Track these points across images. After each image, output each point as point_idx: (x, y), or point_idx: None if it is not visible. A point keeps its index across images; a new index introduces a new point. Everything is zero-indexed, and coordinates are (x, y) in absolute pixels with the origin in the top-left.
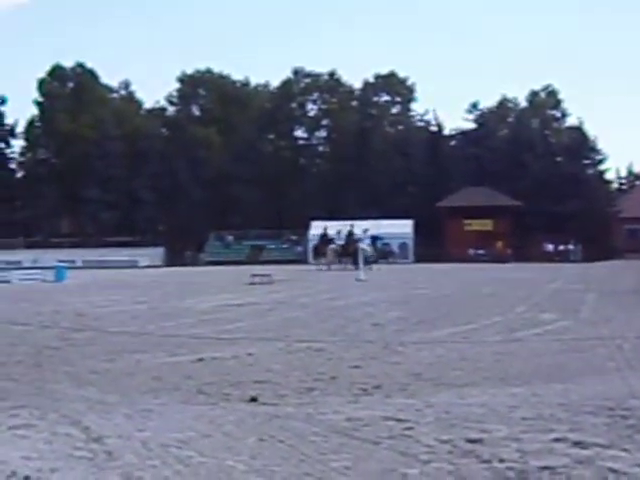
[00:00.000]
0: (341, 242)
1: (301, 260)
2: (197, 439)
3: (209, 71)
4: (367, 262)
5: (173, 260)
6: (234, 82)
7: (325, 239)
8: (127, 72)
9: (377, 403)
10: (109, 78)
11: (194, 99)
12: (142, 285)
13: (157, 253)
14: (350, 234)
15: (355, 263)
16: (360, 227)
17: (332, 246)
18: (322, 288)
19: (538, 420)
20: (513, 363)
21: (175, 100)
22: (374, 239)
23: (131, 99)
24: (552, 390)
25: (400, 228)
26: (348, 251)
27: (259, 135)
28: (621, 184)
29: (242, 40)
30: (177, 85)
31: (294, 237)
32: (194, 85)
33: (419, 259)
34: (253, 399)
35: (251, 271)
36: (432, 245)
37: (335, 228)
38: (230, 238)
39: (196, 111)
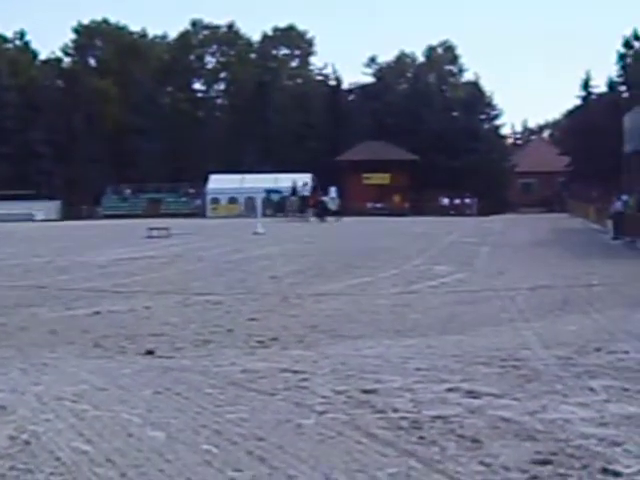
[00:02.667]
0: (306, 194)
1: (200, 213)
2: (92, 392)
3: (106, 22)
4: (334, 214)
5: (70, 214)
6: (131, 33)
7: (295, 193)
8: (22, 22)
9: (273, 355)
10: (4, 28)
11: (90, 50)
12: (38, 239)
13: (53, 206)
14: (315, 188)
15: (318, 215)
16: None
17: (292, 198)
18: (220, 242)
19: (432, 371)
20: (408, 315)
21: (71, 51)
22: (269, 192)
23: (26, 49)
24: (446, 341)
25: (298, 182)
26: (310, 203)
27: (157, 87)
28: (516, 139)
29: None
30: (73, 36)
31: (192, 190)
32: (90, 36)
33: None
34: (149, 352)
35: (149, 224)
36: None
37: (301, 181)
38: (127, 191)
39: (93, 62)
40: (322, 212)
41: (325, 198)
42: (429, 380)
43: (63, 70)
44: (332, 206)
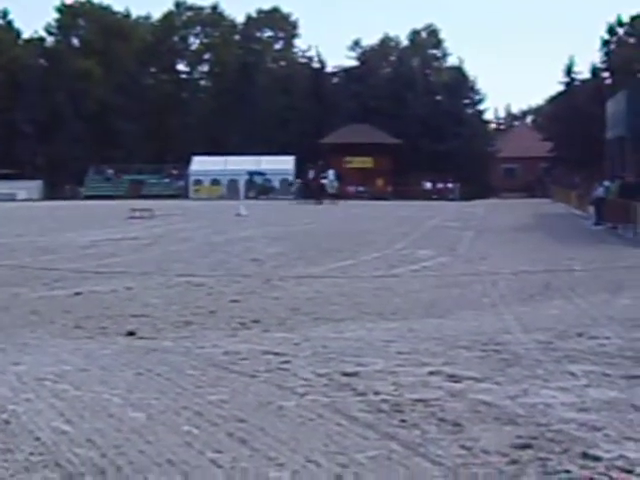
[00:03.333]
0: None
1: (182, 195)
2: (73, 373)
3: (89, 1)
4: (331, 196)
5: (52, 194)
6: (115, 13)
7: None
8: (5, 1)
9: (255, 337)
10: None
11: (74, 30)
12: (20, 219)
13: (36, 186)
14: (320, 170)
15: (317, 198)
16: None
17: (297, 181)
18: (202, 223)
19: (413, 354)
20: (391, 298)
21: (54, 30)
22: (252, 174)
23: (9, 29)
24: (428, 325)
25: (281, 164)
26: (313, 186)
27: (140, 68)
28: (499, 124)
29: None
30: (56, 15)
31: (175, 172)
32: (74, 15)
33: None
34: (131, 333)
35: (131, 205)
36: None
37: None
38: (110, 172)
39: (76, 42)
40: (320, 195)
41: (324, 181)
42: (411, 363)
43: (46, 49)
44: (330, 189)
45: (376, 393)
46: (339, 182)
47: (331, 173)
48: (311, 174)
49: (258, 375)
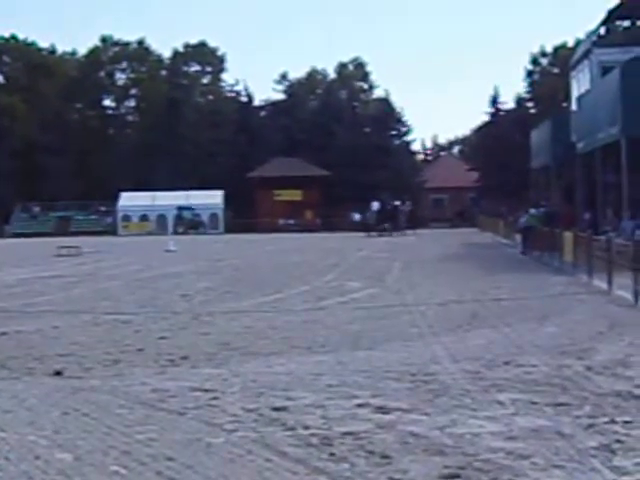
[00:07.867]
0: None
1: (111, 231)
2: None
3: (14, 38)
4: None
5: None
6: (40, 49)
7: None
8: None
9: (184, 374)
10: None
11: None
12: None
13: None
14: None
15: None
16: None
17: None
18: (131, 260)
19: (342, 387)
20: (319, 331)
21: None
22: (181, 209)
23: None
24: (357, 357)
25: (210, 199)
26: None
27: (66, 104)
28: (426, 155)
29: (48, 6)
30: None
31: (103, 208)
32: None
33: (230, 229)
34: (58, 373)
35: (58, 243)
36: (243, 215)
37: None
38: (37, 209)
39: (0, 79)
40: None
41: (359, 215)
42: (340, 396)
43: None
44: (371, 221)
45: (305, 427)
46: (378, 214)
47: (374, 205)
48: (375, 206)
49: (187, 412)
